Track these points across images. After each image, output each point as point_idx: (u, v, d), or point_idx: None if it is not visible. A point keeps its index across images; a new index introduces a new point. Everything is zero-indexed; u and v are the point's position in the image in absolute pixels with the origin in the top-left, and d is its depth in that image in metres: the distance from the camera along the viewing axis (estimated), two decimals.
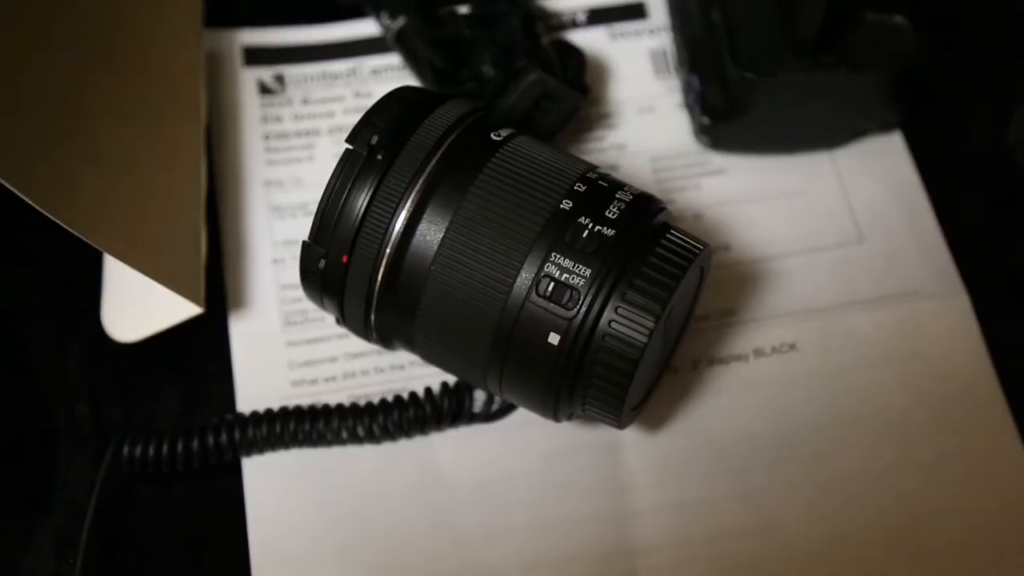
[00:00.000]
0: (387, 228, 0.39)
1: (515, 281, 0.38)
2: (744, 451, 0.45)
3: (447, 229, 0.39)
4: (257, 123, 0.51)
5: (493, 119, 0.42)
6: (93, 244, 0.41)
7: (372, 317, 0.41)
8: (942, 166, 0.50)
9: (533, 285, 0.38)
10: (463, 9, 0.50)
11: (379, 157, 0.39)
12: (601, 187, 0.39)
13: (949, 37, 0.52)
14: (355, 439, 0.44)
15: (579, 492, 0.44)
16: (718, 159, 0.50)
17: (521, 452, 0.44)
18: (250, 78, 0.52)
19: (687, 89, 0.50)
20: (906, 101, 0.49)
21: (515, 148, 0.41)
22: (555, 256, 0.38)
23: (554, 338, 0.38)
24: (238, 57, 0.52)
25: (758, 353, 0.46)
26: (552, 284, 0.38)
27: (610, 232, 0.38)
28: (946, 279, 0.48)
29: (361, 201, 0.39)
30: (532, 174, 0.40)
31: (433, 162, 0.39)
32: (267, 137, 0.50)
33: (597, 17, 0.54)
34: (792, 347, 0.46)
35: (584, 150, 0.51)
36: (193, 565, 0.43)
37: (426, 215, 0.39)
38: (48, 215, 0.39)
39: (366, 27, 0.53)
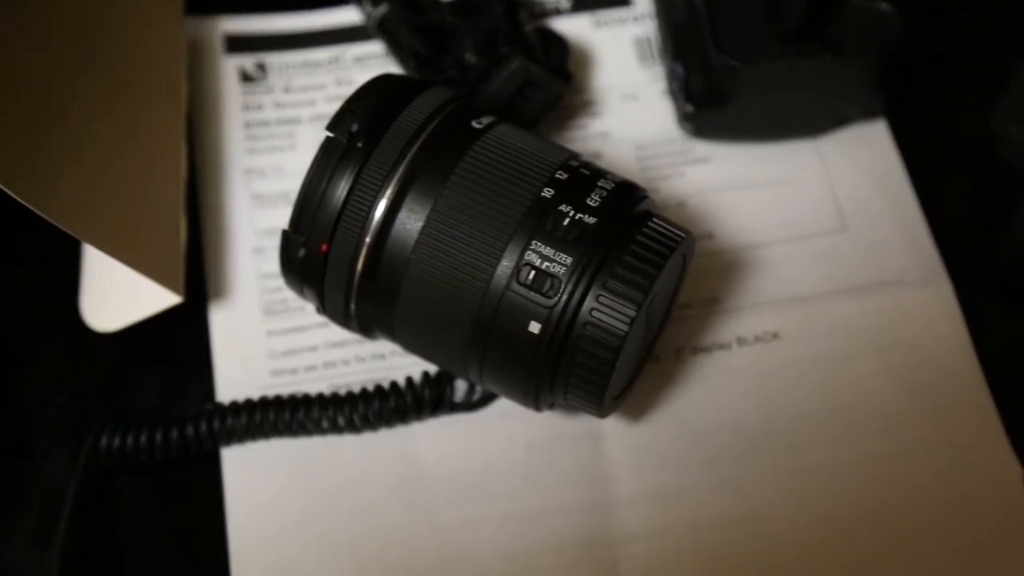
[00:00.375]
0: (367, 216, 0.39)
1: (495, 270, 0.38)
2: (727, 440, 0.45)
3: (427, 218, 0.39)
4: (238, 111, 0.51)
5: (474, 107, 0.42)
6: (73, 234, 0.41)
7: (352, 306, 0.41)
8: (927, 155, 0.51)
9: (514, 274, 0.38)
10: None
11: (359, 145, 0.39)
12: (583, 175, 0.39)
13: (935, 24, 0.51)
14: (335, 429, 0.44)
15: (560, 482, 0.44)
16: (702, 147, 0.50)
17: (502, 442, 0.44)
18: (231, 66, 0.52)
19: (671, 77, 0.50)
20: (891, 89, 0.49)
21: (496, 136, 0.41)
22: (536, 244, 0.38)
23: (535, 327, 0.37)
24: (219, 45, 0.52)
25: (741, 342, 0.47)
26: (533, 272, 0.37)
27: (591, 220, 0.38)
28: (930, 268, 0.48)
29: (341, 189, 0.39)
30: (513, 162, 0.40)
31: (413, 150, 0.39)
32: (248, 125, 0.50)
33: (581, 4, 0.54)
34: (775, 336, 0.46)
35: (567, 138, 0.51)
36: (173, 554, 0.43)
37: (406, 203, 0.39)
38: (29, 206, 0.39)
39: (348, 15, 0.53)
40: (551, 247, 0.38)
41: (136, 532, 0.44)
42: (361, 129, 0.40)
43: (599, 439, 0.45)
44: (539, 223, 0.38)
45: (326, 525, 0.43)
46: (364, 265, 0.40)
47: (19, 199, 0.39)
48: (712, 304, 0.47)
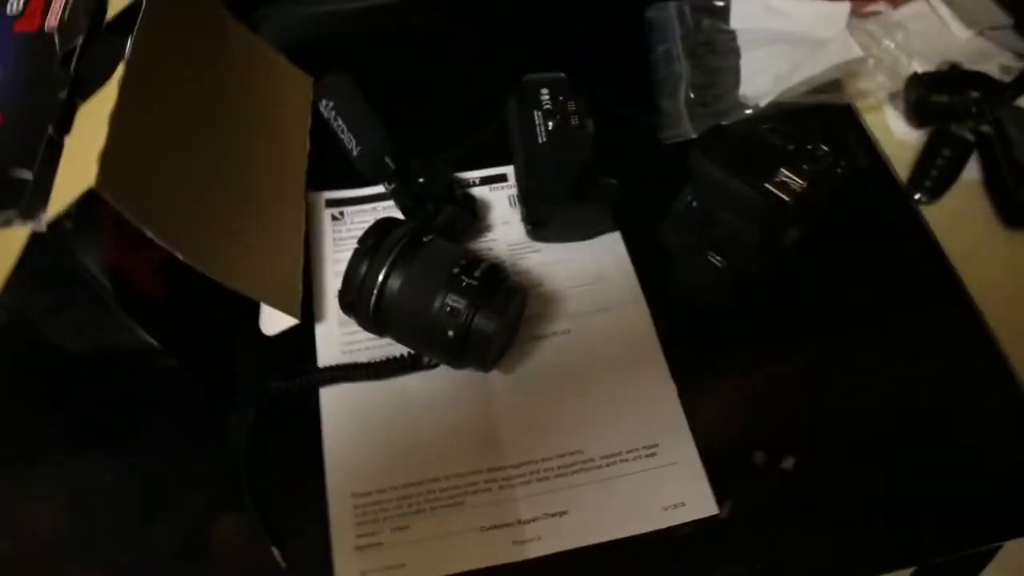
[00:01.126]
0: (375, 283, 0.41)
1: (433, 306, 0.40)
2: (551, 378, 0.45)
3: (401, 283, 0.41)
4: (330, 234, 0.52)
5: (424, 230, 0.43)
6: (246, 294, 0.41)
7: (371, 323, 0.43)
8: (637, 244, 0.51)
9: (441, 308, 0.40)
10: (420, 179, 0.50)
11: (370, 251, 0.42)
12: (473, 261, 0.42)
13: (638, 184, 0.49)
14: (374, 377, 0.44)
15: (466, 398, 0.44)
16: (538, 244, 0.51)
17: (447, 381, 0.45)
18: (327, 213, 0.53)
19: (522, 212, 0.52)
20: (616, 218, 0.51)
21: (434, 245, 0.43)
22: (450, 295, 0.40)
23: (451, 333, 0.41)
24: (323, 203, 0.53)
25: (555, 334, 0.47)
26: (449, 307, 0.40)
27: (475, 282, 0.41)
28: (636, 296, 0.49)
29: (362, 271, 0.42)
30: (441, 257, 0.42)
31: (394, 253, 0.42)
32: (335, 240, 0.51)
33: (485, 180, 0.55)
34: (568, 331, 0.48)
35: (478, 241, 0.52)
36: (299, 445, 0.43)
37: (391, 277, 0.41)
38: (223, 283, 0.40)
39: (380, 189, 0.53)
40: (456, 295, 0.40)
41: (280, 437, 0.43)
42: (371, 244, 0.42)
43: (488, 378, 0.45)
44: (452, 284, 0.40)
45: (375, 431, 0.43)
46: (374, 305, 0.42)
47: (217, 278, 0.39)
48: (541, 316, 0.48)
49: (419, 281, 0.41)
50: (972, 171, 0.56)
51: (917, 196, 0.55)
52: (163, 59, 0.41)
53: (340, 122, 0.55)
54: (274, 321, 0.46)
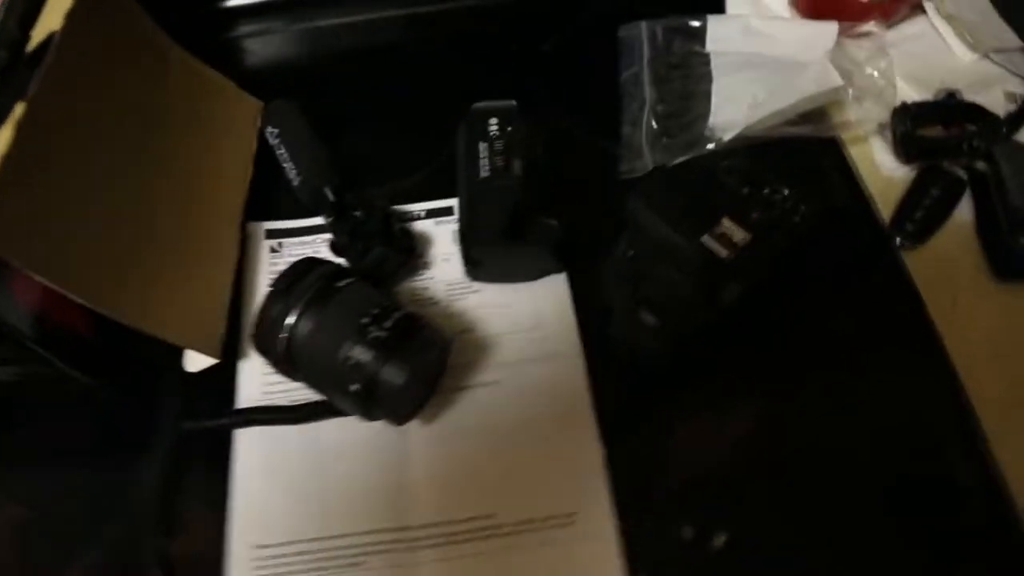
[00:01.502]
0: (284, 328, 0.40)
1: (338, 356, 0.39)
2: (474, 428, 0.44)
3: (311, 330, 0.40)
4: (267, 267, 0.51)
5: (342, 274, 0.42)
6: (156, 336, 0.41)
7: (281, 367, 0.42)
8: (584, 289, 0.49)
9: (344, 360, 0.39)
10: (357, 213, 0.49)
11: (284, 292, 0.41)
12: (388, 310, 0.41)
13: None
14: (285, 422, 0.44)
15: (378, 453, 0.43)
16: (476, 285, 0.50)
17: (357, 432, 0.43)
18: (266, 245, 0.52)
19: (461, 251, 0.49)
20: (562, 260, 0.48)
21: (349, 291, 0.41)
22: (355, 347, 0.39)
23: (354, 387, 0.39)
24: (262, 234, 0.53)
25: (482, 385, 0.46)
26: (353, 361, 0.39)
27: (385, 334, 0.40)
28: (573, 348, 0.46)
29: (273, 313, 0.41)
30: (353, 305, 0.41)
31: (306, 297, 0.41)
32: (272, 274, 0.50)
33: (431, 213, 0.54)
34: (497, 383, 0.46)
35: (415, 279, 0.50)
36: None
37: (302, 323, 0.40)
38: (132, 326, 0.40)
39: (321, 220, 0.52)
40: (362, 347, 0.39)
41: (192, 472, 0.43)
42: (284, 287, 0.41)
43: (404, 430, 0.44)
44: (359, 335, 0.39)
45: (284, 479, 0.42)
46: (284, 350, 0.41)
47: (134, 325, 0.40)
48: (470, 364, 0.46)
49: (328, 330, 0.40)
50: (964, 212, 0.51)
51: (899, 240, 0.50)
52: (77, 94, 0.41)
53: (283, 150, 0.54)
54: (196, 358, 0.46)
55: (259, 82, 0.57)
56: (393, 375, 0.39)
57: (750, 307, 0.42)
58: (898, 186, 0.54)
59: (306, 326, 0.40)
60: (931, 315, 0.47)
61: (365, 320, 0.40)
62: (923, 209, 0.52)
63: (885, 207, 0.53)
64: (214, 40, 0.62)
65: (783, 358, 0.45)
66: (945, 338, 0.47)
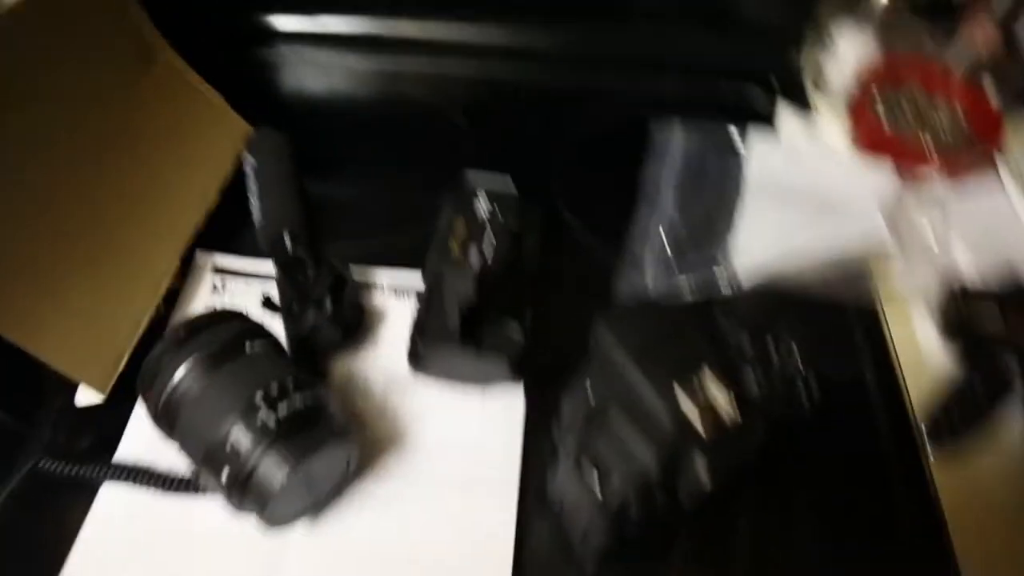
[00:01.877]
0: (170, 379, 0.36)
1: (219, 432, 0.35)
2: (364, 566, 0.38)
3: (199, 388, 0.36)
4: (204, 305, 0.47)
5: (254, 335, 0.38)
6: (44, 361, 0.39)
7: (159, 420, 0.37)
8: (543, 411, 0.42)
9: (223, 439, 0.35)
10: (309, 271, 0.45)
11: (177, 344, 0.37)
12: (287, 390, 0.36)
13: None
14: (153, 487, 0.39)
15: (243, 554, 0.38)
16: (422, 379, 0.44)
17: (233, 519, 0.38)
18: (210, 281, 0.48)
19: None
20: (516, 373, 0.43)
21: (250, 358, 0.37)
22: (237, 426, 0.35)
23: (225, 472, 0.35)
24: (210, 267, 0.49)
25: (395, 500, 0.40)
26: (230, 445, 0.35)
27: (275, 419, 0.35)
28: (509, 481, 0.40)
29: (161, 363, 0.37)
30: (250, 376, 0.36)
31: (201, 353, 0.36)
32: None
33: (394, 286, 0.48)
34: (414, 501, 0.40)
35: (355, 359, 0.45)
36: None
37: (188, 379, 0.36)
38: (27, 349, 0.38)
39: (268, 266, 0.47)
40: (245, 429, 0.34)
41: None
42: (182, 337, 0.37)
43: (285, 533, 0.38)
44: (245, 414, 0.35)
45: (136, 553, 0.38)
46: (162, 405, 0.37)
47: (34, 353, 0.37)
48: (386, 474, 0.41)
49: (212, 398, 0.36)
50: (1017, 419, 0.43)
51: (928, 444, 0.42)
52: (19, 71, 0.39)
53: (254, 183, 0.50)
54: (86, 392, 0.43)
55: (260, 108, 0.54)
56: (270, 472, 0.34)
57: (721, 494, 0.33)
58: (935, 370, 0.46)
59: (192, 386, 0.36)
60: (953, 546, 0.39)
61: (259, 397, 0.35)
62: (962, 407, 0.43)
63: (915, 389, 0.45)
64: (233, 56, 0.61)
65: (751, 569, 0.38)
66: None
